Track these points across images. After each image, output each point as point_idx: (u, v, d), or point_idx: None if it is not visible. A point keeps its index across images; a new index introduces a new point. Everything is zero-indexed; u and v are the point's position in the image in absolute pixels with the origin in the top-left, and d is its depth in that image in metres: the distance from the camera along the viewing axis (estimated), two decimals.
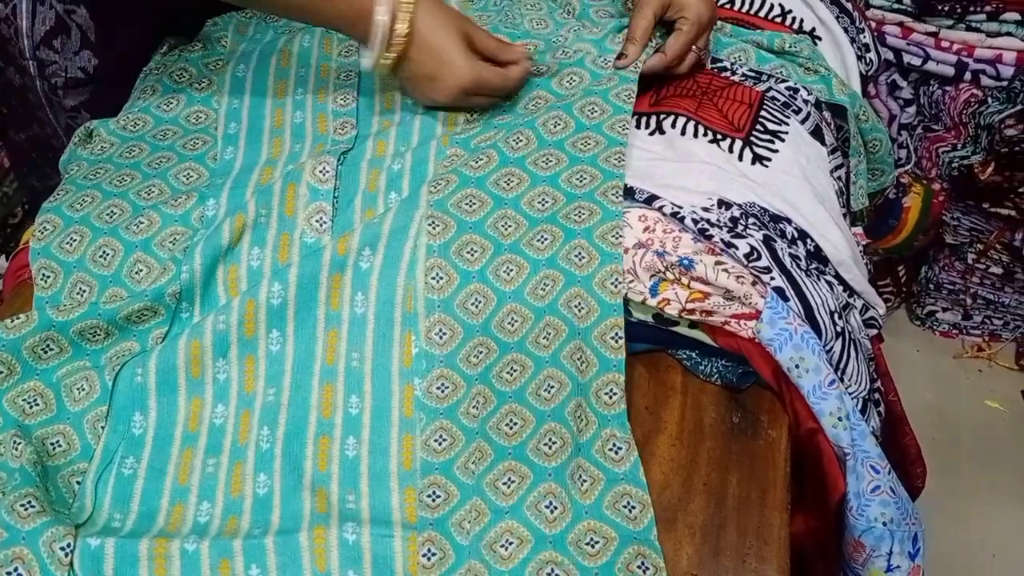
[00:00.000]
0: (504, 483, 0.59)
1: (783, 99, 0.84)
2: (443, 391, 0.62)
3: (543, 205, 0.70)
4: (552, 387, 0.63)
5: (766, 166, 0.77)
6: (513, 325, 0.65)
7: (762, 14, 0.94)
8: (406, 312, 0.65)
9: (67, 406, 0.63)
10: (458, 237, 0.67)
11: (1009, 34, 1.34)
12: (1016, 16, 1.32)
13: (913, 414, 1.59)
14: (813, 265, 0.69)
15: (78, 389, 0.64)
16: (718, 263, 0.67)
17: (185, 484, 0.61)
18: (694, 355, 0.68)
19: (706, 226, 0.69)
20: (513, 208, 0.70)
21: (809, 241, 0.72)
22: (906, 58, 1.38)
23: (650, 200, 0.72)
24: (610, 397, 0.63)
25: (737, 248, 0.67)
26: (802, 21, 0.94)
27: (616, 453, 0.61)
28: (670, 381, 0.68)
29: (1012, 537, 1.45)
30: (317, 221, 0.71)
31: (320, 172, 0.72)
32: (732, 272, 0.66)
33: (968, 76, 1.38)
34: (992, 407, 1.63)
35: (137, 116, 0.82)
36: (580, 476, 0.59)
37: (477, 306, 0.65)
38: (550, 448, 0.60)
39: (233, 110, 0.82)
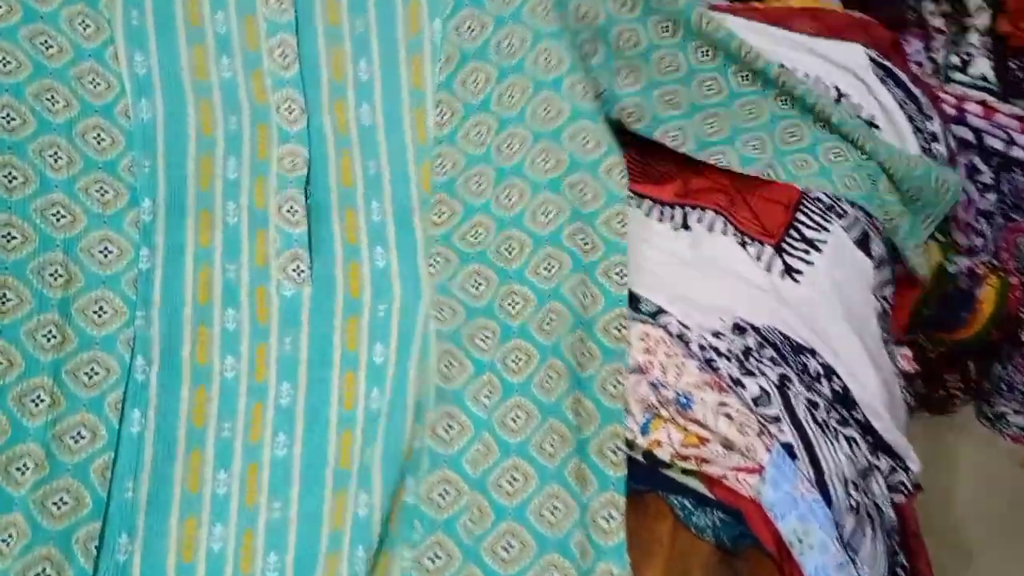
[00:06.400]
0: None
1: (827, 200, 0.74)
2: (444, 499, 0.57)
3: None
4: (558, 509, 0.57)
5: (797, 281, 0.68)
6: (517, 423, 0.59)
7: None
8: (418, 402, 0.60)
9: (43, 524, 0.53)
10: (468, 322, 0.62)
11: None
12: None
13: (971, 521, 1.46)
14: (834, 415, 0.60)
15: (55, 504, 0.54)
16: (721, 404, 0.58)
17: None
18: (687, 503, 0.59)
19: (714, 356, 0.60)
20: (519, 283, 0.64)
21: (835, 380, 0.62)
22: (988, 140, 1.25)
23: (656, 314, 0.64)
24: (608, 523, 0.57)
25: (745, 387, 0.58)
26: (860, 107, 0.84)
27: None
28: (657, 531, 0.59)
29: None
30: (295, 271, 0.62)
31: (288, 212, 0.62)
32: (735, 418, 0.57)
33: None
34: None
35: None
36: None
37: (489, 398, 0.60)
38: None
39: (134, 30, 0.63)
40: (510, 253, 0.64)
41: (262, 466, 0.58)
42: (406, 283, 0.63)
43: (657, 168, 0.79)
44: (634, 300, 0.65)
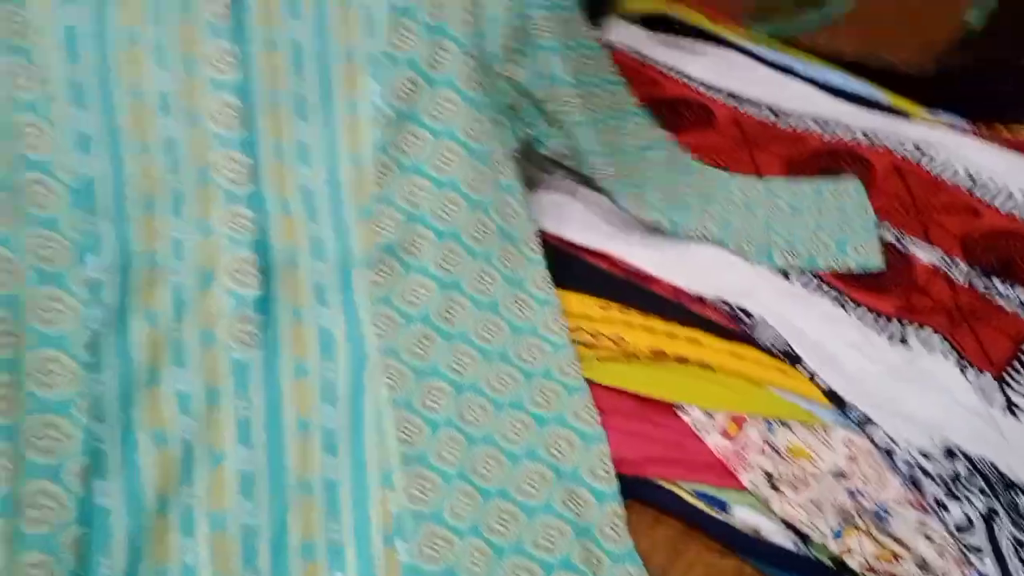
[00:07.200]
0: None
1: None
2: (437, 551, 0.59)
3: (491, 335, 0.67)
4: (552, 535, 0.60)
5: (1017, 417, 0.67)
6: (490, 470, 0.63)
7: None
8: (383, 470, 0.61)
9: None
10: (418, 384, 0.64)
11: None
12: None
13: None
14: None
15: None
16: (921, 524, 0.58)
17: None
18: None
19: (919, 475, 0.60)
20: (464, 343, 0.66)
21: None
22: None
23: (863, 423, 0.65)
24: (615, 531, 0.61)
25: (949, 511, 0.58)
26: None
27: None
28: None
29: None
30: (245, 334, 0.60)
31: (239, 274, 0.59)
32: (935, 540, 0.57)
33: None
34: None
35: None
36: None
37: (452, 452, 0.63)
38: None
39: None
40: (451, 314, 0.66)
41: (230, 534, 0.57)
42: (351, 345, 0.63)
43: (875, 277, 0.79)
44: (840, 403, 0.66)
